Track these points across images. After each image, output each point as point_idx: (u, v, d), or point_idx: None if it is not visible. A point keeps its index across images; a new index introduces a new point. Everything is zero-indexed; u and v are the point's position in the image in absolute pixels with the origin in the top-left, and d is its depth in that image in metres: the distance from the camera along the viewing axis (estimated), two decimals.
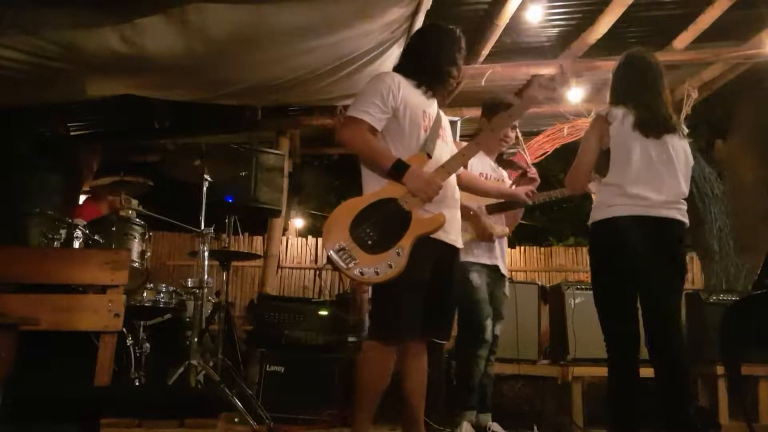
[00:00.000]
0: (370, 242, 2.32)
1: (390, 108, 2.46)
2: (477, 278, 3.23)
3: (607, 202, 2.66)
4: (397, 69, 2.64)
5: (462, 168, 2.75)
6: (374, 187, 2.45)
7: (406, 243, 2.32)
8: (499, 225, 3.37)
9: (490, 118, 3.36)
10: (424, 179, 2.38)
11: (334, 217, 2.40)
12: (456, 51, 2.62)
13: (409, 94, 2.52)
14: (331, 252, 2.33)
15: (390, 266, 2.29)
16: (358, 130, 2.45)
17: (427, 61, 2.60)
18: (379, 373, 2.37)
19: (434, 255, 2.42)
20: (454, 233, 2.53)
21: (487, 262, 3.31)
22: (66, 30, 3.68)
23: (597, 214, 2.69)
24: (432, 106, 2.62)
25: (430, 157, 2.47)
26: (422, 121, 2.51)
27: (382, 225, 2.34)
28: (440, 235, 2.44)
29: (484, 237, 3.25)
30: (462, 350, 3.28)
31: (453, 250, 2.53)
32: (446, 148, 2.62)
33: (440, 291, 2.46)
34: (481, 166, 3.41)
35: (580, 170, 2.75)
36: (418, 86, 2.57)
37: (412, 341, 2.45)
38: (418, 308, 2.37)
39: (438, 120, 2.60)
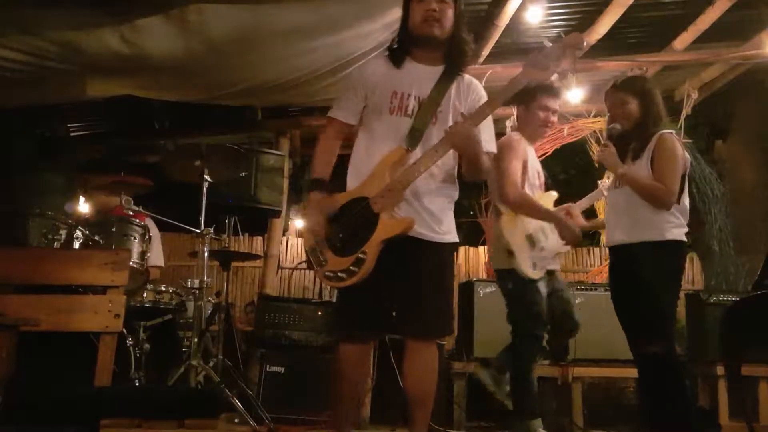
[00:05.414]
0: (338, 244, 2.27)
1: (362, 97, 2.33)
2: (543, 288, 3.07)
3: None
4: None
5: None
6: (353, 183, 2.35)
7: (371, 247, 2.22)
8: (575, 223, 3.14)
9: (526, 104, 3.16)
10: (310, 209, 2.31)
11: None
12: None
13: (380, 75, 2.32)
14: (307, 251, 2.35)
15: (354, 271, 2.22)
16: (327, 130, 2.39)
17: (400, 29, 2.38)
18: (346, 370, 2.31)
19: (396, 251, 2.23)
20: (421, 226, 2.28)
21: (551, 267, 3.16)
22: (66, 30, 3.67)
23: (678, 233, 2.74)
24: (414, 84, 2.29)
25: (409, 150, 2.24)
26: (389, 104, 2.27)
27: (351, 227, 2.26)
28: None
29: (575, 241, 3.02)
30: (522, 358, 3.09)
31: (418, 242, 2.28)
32: (438, 133, 2.27)
33: (407, 287, 2.26)
34: (537, 162, 3.25)
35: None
36: (396, 63, 2.33)
37: (368, 340, 2.41)
38: (369, 307, 2.25)
39: (433, 99, 2.26)
